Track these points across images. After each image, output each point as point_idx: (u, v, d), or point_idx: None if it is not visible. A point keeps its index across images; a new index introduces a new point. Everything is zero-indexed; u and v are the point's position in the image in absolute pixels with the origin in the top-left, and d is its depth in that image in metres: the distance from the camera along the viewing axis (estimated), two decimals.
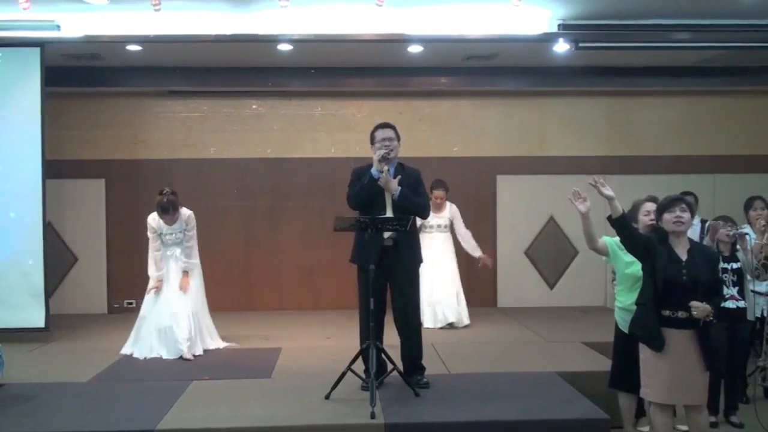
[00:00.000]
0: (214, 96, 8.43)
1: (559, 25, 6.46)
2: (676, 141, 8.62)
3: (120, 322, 6.97)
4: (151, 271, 6.11)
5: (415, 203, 4.95)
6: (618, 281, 4.64)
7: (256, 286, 8.45)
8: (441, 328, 7.04)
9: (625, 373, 4.48)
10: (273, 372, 5.50)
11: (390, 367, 4.82)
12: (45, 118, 6.66)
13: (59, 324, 6.99)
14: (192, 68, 7.97)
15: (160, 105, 8.43)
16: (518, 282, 8.53)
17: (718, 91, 8.52)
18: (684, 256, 4.01)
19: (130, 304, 7.75)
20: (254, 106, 8.52)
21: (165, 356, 5.94)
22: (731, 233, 5.03)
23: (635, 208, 4.71)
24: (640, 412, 4.74)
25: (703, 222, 6.37)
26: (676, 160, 8.51)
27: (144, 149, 8.40)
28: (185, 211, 6.16)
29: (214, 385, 5.09)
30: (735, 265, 5.10)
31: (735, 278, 5.09)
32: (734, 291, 5.07)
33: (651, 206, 4.50)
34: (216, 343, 6.35)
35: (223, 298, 7.55)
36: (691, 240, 4.15)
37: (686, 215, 4.04)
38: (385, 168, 4.80)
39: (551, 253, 8.56)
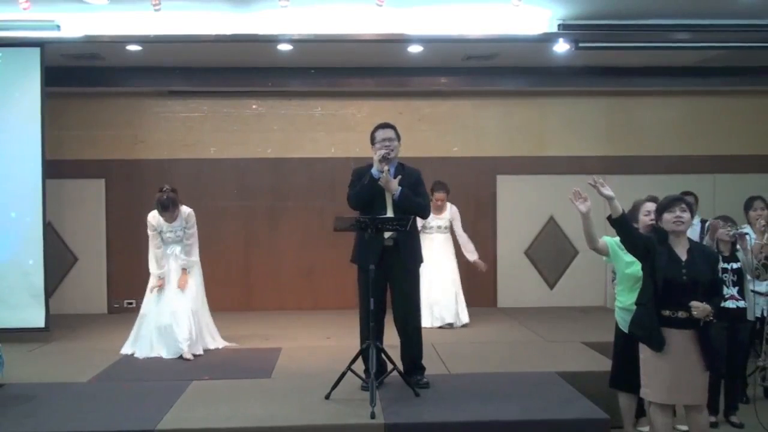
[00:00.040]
0: (214, 96, 8.44)
1: (559, 25, 6.46)
2: (676, 141, 8.62)
3: (120, 322, 6.97)
4: (152, 268, 6.10)
5: (415, 203, 4.95)
6: (618, 281, 4.64)
7: (256, 286, 8.45)
8: (439, 327, 7.05)
9: (625, 373, 4.48)
10: (273, 372, 5.50)
11: (390, 367, 4.82)
12: (45, 118, 6.66)
13: (59, 324, 6.99)
14: (192, 68, 7.98)
15: (160, 105, 8.44)
16: (518, 282, 8.53)
17: (718, 91, 8.52)
18: (684, 256, 4.01)
19: (130, 304, 7.75)
20: (254, 106, 8.52)
21: (165, 356, 5.94)
22: (731, 233, 5.03)
23: (635, 208, 4.71)
24: (640, 412, 4.74)
25: (703, 222, 6.37)
26: (676, 160, 8.52)
27: (144, 149, 8.41)
28: (185, 209, 6.15)
29: (214, 385, 5.08)
30: (735, 265, 5.10)
31: (735, 278, 5.08)
32: (734, 291, 5.07)
33: (651, 206, 4.49)
34: (216, 342, 6.35)
35: (223, 298, 7.54)
36: (690, 240, 4.15)
37: (686, 215, 4.04)
38: (386, 168, 4.80)
39: (551, 253, 8.56)
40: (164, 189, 6.01)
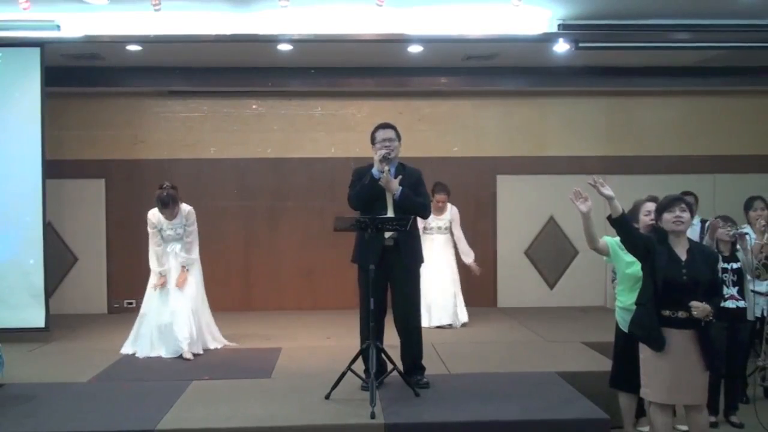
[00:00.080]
0: (214, 96, 8.44)
1: (559, 25, 6.46)
2: (676, 141, 8.62)
3: (120, 322, 6.97)
4: (153, 265, 6.09)
5: (416, 203, 4.95)
6: (619, 281, 4.64)
7: (256, 286, 8.45)
8: (437, 327, 7.05)
9: (625, 373, 4.48)
10: (273, 372, 5.50)
11: (390, 367, 4.82)
12: (45, 118, 6.66)
13: (59, 324, 6.99)
14: (192, 68, 7.98)
15: (160, 105, 8.44)
16: (518, 282, 8.53)
17: (718, 91, 8.52)
18: (684, 256, 4.01)
19: (130, 304, 7.75)
20: (254, 106, 8.52)
21: (165, 355, 5.94)
22: (731, 233, 5.03)
23: (636, 208, 4.71)
24: (640, 412, 4.74)
25: (703, 222, 6.37)
26: (676, 160, 8.52)
27: (144, 149, 8.41)
28: (185, 207, 6.14)
29: (214, 385, 5.08)
30: (735, 265, 5.10)
31: (735, 278, 5.09)
32: (734, 291, 5.07)
33: (652, 206, 4.49)
34: (216, 342, 6.34)
35: (223, 298, 7.54)
36: (690, 240, 4.15)
37: (686, 215, 4.04)
38: (386, 168, 4.80)
39: (551, 253, 8.56)
40: (164, 186, 6.01)
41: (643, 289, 4.13)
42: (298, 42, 6.75)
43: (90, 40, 6.54)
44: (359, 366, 4.71)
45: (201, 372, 5.46)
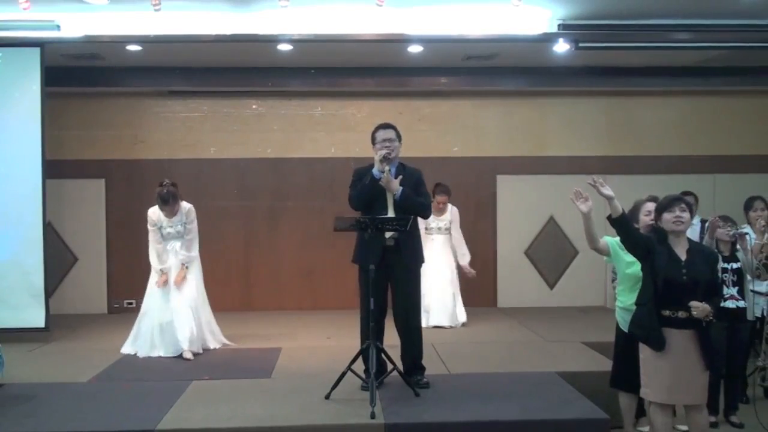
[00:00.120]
0: (214, 96, 8.44)
1: (559, 25, 6.46)
2: (676, 141, 8.62)
3: (120, 322, 6.97)
4: (154, 263, 6.09)
5: (416, 203, 4.95)
6: (619, 281, 4.64)
7: (256, 286, 8.45)
8: (434, 327, 7.04)
9: (625, 373, 4.48)
10: (273, 372, 5.50)
11: (390, 367, 4.82)
12: (45, 118, 6.66)
13: (59, 324, 6.99)
14: (192, 68, 7.98)
15: (160, 105, 8.44)
16: (518, 282, 8.53)
17: (718, 91, 8.52)
18: (683, 256, 4.01)
19: (130, 304, 7.75)
20: (254, 106, 8.52)
21: (164, 354, 5.94)
22: (731, 233, 5.03)
23: (636, 208, 4.71)
24: (641, 412, 4.74)
25: (703, 222, 6.37)
26: (676, 160, 8.51)
27: (144, 149, 8.41)
28: (185, 204, 6.15)
29: (214, 385, 5.08)
30: (735, 265, 5.10)
31: (735, 278, 5.08)
32: (734, 291, 5.07)
33: (652, 206, 4.48)
34: (216, 341, 6.34)
35: (223, 298, 7.54)
36: (690, 240, 4.15)
37: (686, 215, 4.04)
38: (387, 168, 4.81)
39: (551, 253, 8.56)
40: (164, 183, 6.02)
41: (643, 289, 4.13)
42: (298, 42, 6.75)
43: (90, 40, 6.54)
44: (359, 366, 4.71)
45: (201, 372, 5.46)
